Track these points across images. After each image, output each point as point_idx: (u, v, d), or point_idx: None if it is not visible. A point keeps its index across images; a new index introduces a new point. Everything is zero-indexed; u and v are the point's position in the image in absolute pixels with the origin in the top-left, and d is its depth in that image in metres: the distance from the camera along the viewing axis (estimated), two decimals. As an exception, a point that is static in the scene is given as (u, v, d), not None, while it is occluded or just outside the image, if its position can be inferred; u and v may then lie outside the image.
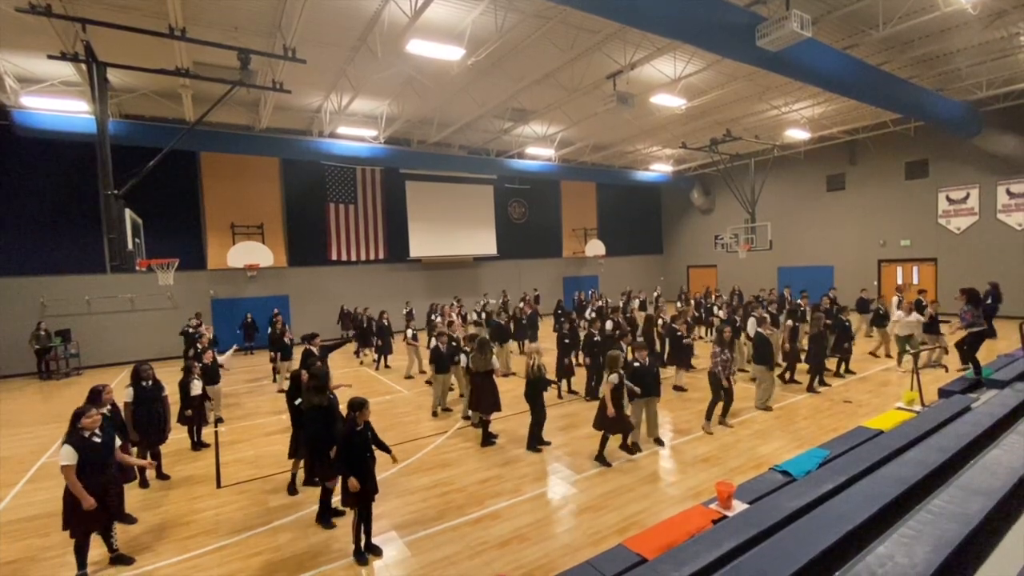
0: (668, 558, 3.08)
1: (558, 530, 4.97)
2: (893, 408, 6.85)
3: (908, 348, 9.93)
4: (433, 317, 15.15)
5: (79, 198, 14.93)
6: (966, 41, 11.93)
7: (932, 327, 10.47)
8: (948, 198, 17.90)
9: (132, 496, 6.02)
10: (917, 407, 6.59)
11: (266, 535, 5.09)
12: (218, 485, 6.41)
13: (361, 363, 14.32)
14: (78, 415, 4.37)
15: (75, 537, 4.32)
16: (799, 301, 13.45)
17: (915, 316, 10.20)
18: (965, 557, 2.73)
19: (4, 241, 14.48)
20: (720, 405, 7.61)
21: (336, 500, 5.26)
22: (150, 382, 6.42)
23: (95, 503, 4.18)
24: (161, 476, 6.59)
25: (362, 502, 4.51)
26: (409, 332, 12.01)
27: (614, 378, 6.31)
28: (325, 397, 5.27)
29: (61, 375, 14.33)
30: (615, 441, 6.88)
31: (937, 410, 5.80)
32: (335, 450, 4.74)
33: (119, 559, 4.67)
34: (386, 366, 13.38)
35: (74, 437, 4.28)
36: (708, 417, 7.61)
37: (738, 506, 3.88)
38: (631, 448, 6.77)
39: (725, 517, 3.74)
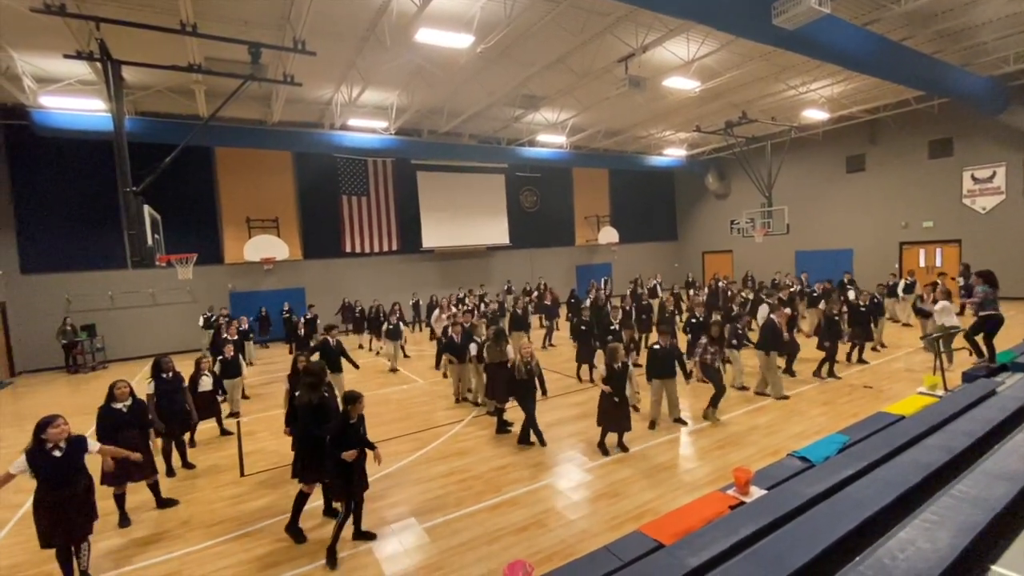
0: (685, 544, 3.09)
1: (575, 516, 5.01)
2: (915, 393, 6.73)
3: (932, 333, 9.67)
4: (436, 312, 15.26)
5: (99, 195, 15.22)
6: (992, 13, 11.47)
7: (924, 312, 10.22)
8: (973, 177, 17.36)
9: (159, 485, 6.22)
10: (940, 392, 6.47)
11: (287, 522, 5.19)
12: (241, 474, 6.57)
13: (377, 353, 14.48)
14: (42, 425, 4.03)
15: (44, 547, 4.12)
16: (816, 287, 13.21)
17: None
18: (989, 542, 2.69)
19: (29, 239, 14.86)
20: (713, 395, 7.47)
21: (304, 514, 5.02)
22: (170, 374, 6.59)
23: None
24: (187, 465, 6.77)
25: (351, 497, 4.47)
26: (385, 326, 12.07)
27: (600, 371, 6.31)
28: (318, 394, 4.99)
29: (88, 369, 14.74)
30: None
31: (961, 394, 5.68)
32: (327, 445, 4.50)
33: None
34: (404, 356, 13.49)
35: (33, 449, 3.99)
36: (713, 405, 7.43)
37: (756, 492, 3.87)
38: (606, 448, 6.54)
39: (742, 503, 3.73)
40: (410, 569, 4.32)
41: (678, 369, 7.22)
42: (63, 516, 4.10)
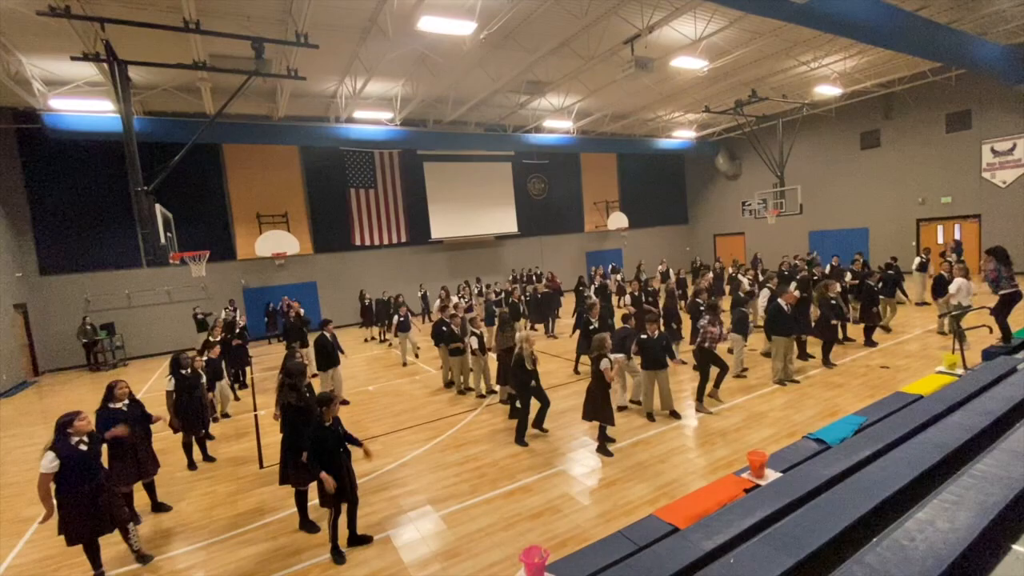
0: (700, 527, 3.08)
1: (589, 502, 5.04)
2: (933, 372, 6.63)
3: (951, 311, 9.49)
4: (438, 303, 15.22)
5: (112, 196, 15.45)
6: (1013, -22, 11.08)
7: (940, 290, 10.03)
8: (993, 150, 16.90)
9: (181, 478, 6.39)
10: (959, 370, 6.36)
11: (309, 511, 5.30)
12: (261, 466, 6.70)
13: (391, 345, 14.61)
14: (67, 421, 4.15)
15: (71, 544, 4.19)
16: (816, 268, 12.95)
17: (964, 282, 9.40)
18: (1009, 521, 2.65)
19: (46, 241, 15.14)
20: (710, 381, 7.33)
21: (313, 504, 5.00)
22: (189, 370, 6.69)
23: (53, 511, 4.02)
24: (207, 458, 6.92)
25: (339, 501, 4.37)
26: (396, 318, 11.98)
27: (605, 363, 5.94)
28: (300, 396, 4.97)
29: (109, 366, 15.06)
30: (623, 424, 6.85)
31: (981, 373, 5.57)
32: (306, 453, 4.39)
33: (141, 558, 4.64)
34: (415, 354, 13.55)
35: (59, 443, 4.09)
36: (700, 398, 7.22)
37: (771, 475, 3.84)
38: (605, 447, 6.21)
39: (757, 486, 3.71)
40: (428, 555, 4.39)
41: (669, 360, 6.97)
42: (100, 507, 4.21)
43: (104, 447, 4.57)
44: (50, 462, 4.00)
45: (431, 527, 4.84)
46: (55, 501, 4.09)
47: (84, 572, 4.49)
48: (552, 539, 4.42)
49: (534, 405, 6.73)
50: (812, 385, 7.98)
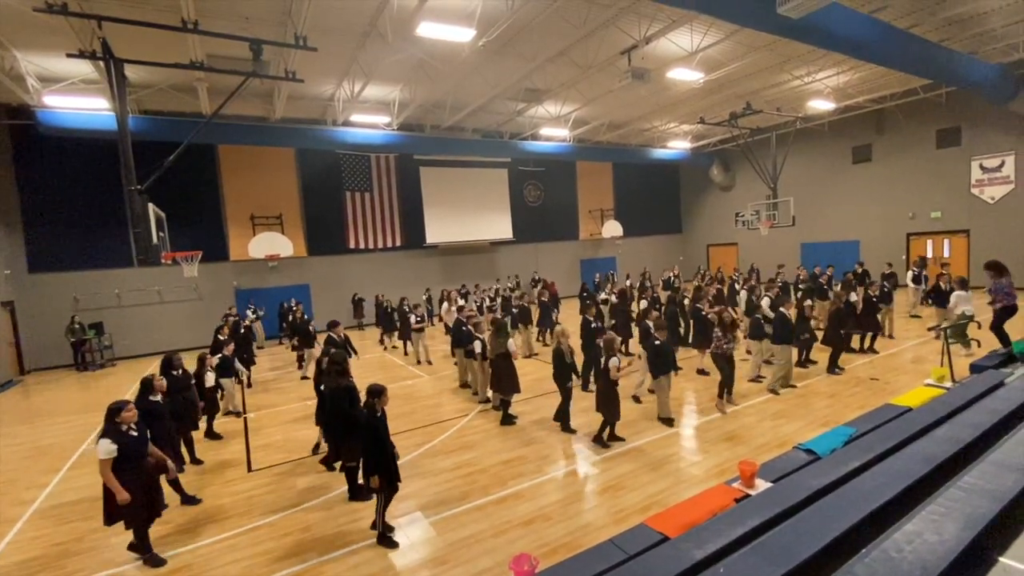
0: (690, 536, 3.09)
1: (581, 509, 5.03)
2: (922, 385, 6.69)
3: (942, 323, 9.63)
4: (445, 305, 15.30)
5: (105, 194, 15.28)
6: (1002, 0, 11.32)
7: (942, 300, 10.26)
8: (982, 167, 17.17)
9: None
10: (947, 383, 6.43)
11: (296, 516, 5.26)
12: (249, 469, 6.63)
13: (385, 349, 14.54)
14: (116, 409, 4.37)
15: (131, 528, 4.42)
16: (824, 276, 13.13)
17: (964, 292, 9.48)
18: (996, 533, 2.68)
19: (36, 239, 14.96)
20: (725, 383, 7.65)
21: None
22: (180, 371, 6.64)
23: (129, 497, 4.19)
24: (195, 461, 6.84)
25: (388, 489, 4.60)
26: (413, 319, 12.17)
27: (614, 361, 6.22)
28: (348, 379, 5.45)
29: (96, 366, 14.86)
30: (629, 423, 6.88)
31: (968, 386, 5.65)
32: (364, 442, 4.63)
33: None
34: (405, 353, 13.54)
35: (112, 431, 4.30)
36: (721, 395, 7.57)
37: (761, 484, 3.86)
38: (605, 441, 6.52)
39: (748, 496, 3.73)
40: (416, 562, 4.36)
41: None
42: (151, 490, 4.48)
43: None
44: (108, 449, 4.20)
45: (421, 533, 4.80)
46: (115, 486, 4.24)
47: (68, 575, 4.42)
48: (542, 547, 4.40)
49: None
50: (803, 395, 8.03)
